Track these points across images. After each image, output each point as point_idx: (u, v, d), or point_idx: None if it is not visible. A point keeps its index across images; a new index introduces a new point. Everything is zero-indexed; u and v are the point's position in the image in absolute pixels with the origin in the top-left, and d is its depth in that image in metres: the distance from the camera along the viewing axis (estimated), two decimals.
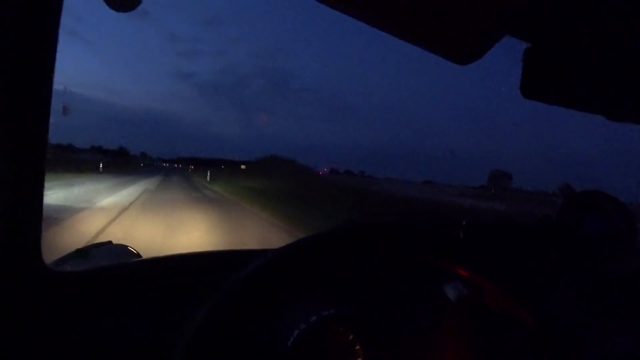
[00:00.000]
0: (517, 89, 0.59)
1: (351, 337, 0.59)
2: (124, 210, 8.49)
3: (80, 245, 0.95)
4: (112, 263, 0.87)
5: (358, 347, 0.59)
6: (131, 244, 1.11)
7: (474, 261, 0.52)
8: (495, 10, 0.49)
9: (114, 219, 7.01)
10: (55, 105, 0.53)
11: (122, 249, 1.09)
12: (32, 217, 0.53)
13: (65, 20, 0.51)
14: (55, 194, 9.68)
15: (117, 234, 5.56)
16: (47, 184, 0.54)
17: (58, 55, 0.51)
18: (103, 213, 7.65)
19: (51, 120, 0.52)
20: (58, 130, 0.54)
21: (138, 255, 1.05)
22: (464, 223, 0.73)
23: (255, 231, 7.49)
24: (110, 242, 1.12)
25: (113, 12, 0.51)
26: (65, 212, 6.78)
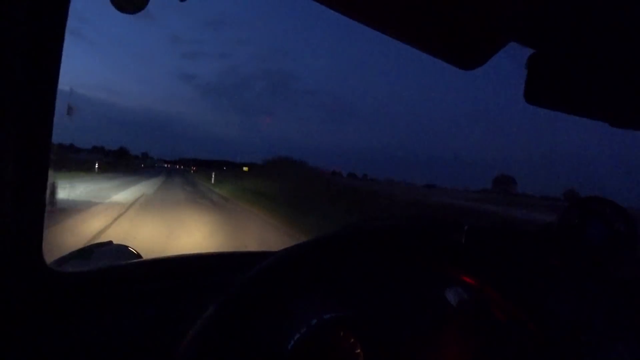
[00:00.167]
0: (521, 94, 0.59)
1: (352, 340, 0.59)
2: (106, 228, 6.29)
3: None
4: (112, 263, 0.87)
5: (359, 350, 0.59)
6: None
7: (475, 266, 0.52)
8: (500, 17, 0.49)
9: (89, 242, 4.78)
10: (59, 105, 0.53)
11: (123, 249, 1.08)
12: (34, 217, 0.53)
13: (69, 20, 0.51)
14: None
15: None
16: None
17: (63, 56, 0.52)
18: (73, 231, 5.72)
19: (55, 120, 0.52)
20: (60, 130, 0.54)
21: (139, 255, 1.04)
22: (465, 228, 0.73)
23: None
24: (110, 242, 1.12)
25: (117, 13, 0.51)
26: None
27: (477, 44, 0.53)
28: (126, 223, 7.00)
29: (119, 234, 5.89)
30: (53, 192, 6.84)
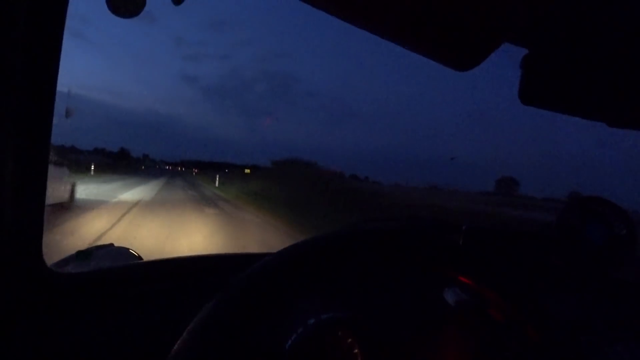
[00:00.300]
0: (516, 96, 0.60)
1: (350, 340, 0.59)
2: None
3: None
4: (113, 265, 0.87)
5: (356, 350, 0.59)
6: None
7: (473, 267, 0.52)
8: (494, 18, 0.49)
9: None
10: (59, 107, 0.53)
11: (124, 251, 1.09)
12: (33, 218, 0.54)
13: (72, 22, 0.52)
14: None
15: None
16: None
17: (64, 57, 0.52)
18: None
19: (55, 121, 0.52)
20: (62, 132, 0.55)
21: (139, 258, 1.05)
22: (463, 228, 0.73)
23: None
24: (111, 245, 1.13)
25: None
26: None
27: (471, 44, 0.53)
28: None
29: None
30: (73, 191, 7.84)
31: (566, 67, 0.59)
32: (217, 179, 29.57)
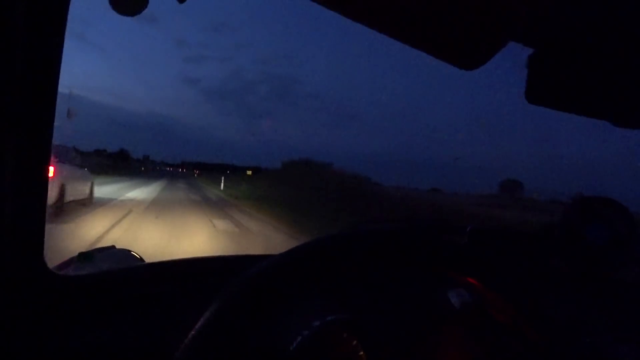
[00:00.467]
0: (523, 95, 0.59)
1: (355, 342, 0.59)
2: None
3: None
4: (114, 267, 0.87)
5: (361, 352, 0.58)
6: None
7: (477, 268, 0.51)
8: (500, 16, 0.49)
9: None
10: (60, 108, 0.53)
11: (125, 253, 1.09)
12: (35, 220, 0.53)
13: (73, 23, 0.51)
14: None
15: None
16: None
17: (66, 58, 0.52)
18: None
19: (56, 123, 0.52)
20: (63, 133, 0.54)
21: (141, 259, 1.05)
22: (468, 229, 0.73)
23: None
24: (113, 247, 1.12)
25: (121, 16, 0.51)
26: None
27: (477, 43, 0.53)
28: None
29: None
30: (91, 189, 9.26)
31: (572, 66, 0.59)
32: (222, 182, 27.09)
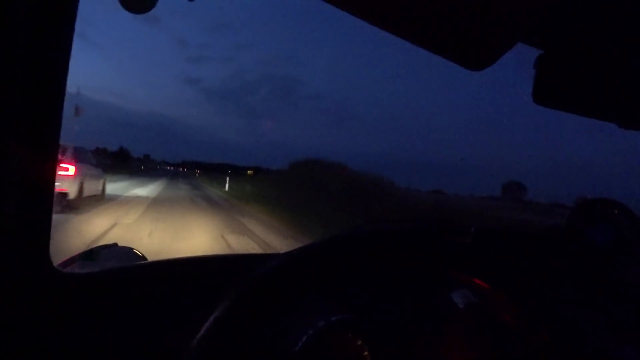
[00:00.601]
0: (529, 97, 0.59)
1: (359, 342, 0.59)
2: None
3: None
4: (118, 265, 0.87)
5: (366, 352, 0.58)
6: None
7: (482, 268, 0.51)
8: (508, 17, 0.49)
9: None
10: (68, 106, 0.53)
11: (128, 251, 1.09)
12: (41, 218, 0.53)
13: (75, 23, 0.51)
14: None
15: None
16: None
17: None
18: None
19: (64, 120, 0.52)
20: (65, 132, 0.55)
21: (144, 258, 1.05)
22: (472, 230, 0.73)
23: None
24: (115, 245, 1.12)
25: (123, 16, 0.51)
26: None
27: (485, 44, 0.53)
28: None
29: None
30: (104, 186, 10.53)
31: (581, 67, 0.58)
32: (227, 182, 25.99)
